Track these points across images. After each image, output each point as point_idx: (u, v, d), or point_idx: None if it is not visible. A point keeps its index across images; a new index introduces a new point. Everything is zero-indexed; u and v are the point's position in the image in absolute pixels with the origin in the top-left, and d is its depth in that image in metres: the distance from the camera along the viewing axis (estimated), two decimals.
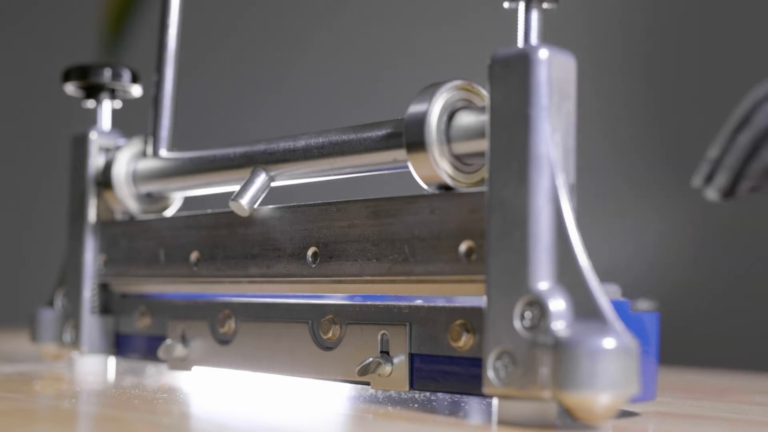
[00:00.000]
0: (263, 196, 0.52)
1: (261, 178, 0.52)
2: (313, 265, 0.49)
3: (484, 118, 0.43)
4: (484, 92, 0.45)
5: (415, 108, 0.45)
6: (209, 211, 0.55)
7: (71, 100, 0.70)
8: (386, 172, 0.48)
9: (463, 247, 0.43)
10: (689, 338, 0.96)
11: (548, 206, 0.39)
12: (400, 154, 0.46)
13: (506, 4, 0.42)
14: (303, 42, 1.30)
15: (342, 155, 0.49)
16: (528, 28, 0.42)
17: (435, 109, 0.44)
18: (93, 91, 0.64)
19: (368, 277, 0.47)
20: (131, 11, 1.39)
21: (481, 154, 0.44)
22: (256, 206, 0.52)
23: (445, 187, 0.45)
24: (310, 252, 0.49)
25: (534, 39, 0.41)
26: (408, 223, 0.45)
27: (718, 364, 0.93)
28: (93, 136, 0.63)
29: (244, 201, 0.51)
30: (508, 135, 0.40)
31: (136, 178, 0.61)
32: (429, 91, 0.45)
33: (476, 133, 0.43)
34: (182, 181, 0.58)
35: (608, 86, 0.99)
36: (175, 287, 0.58)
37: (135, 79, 0.64)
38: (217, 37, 1.40)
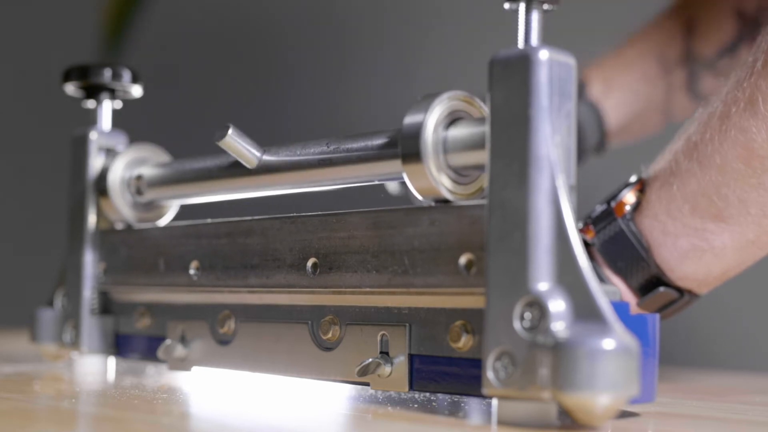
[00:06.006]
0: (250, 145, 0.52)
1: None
2: (313, 276, 0.49)
3: (481, 129, 0.43)
4: (481, 103, 0.45)
5: (410, 119, 0.45)
6: (209, 220, 0.55)
7: (71, 100, 0.70)
8: (382, 182, 0.48)
9: (462, 259, 0.43)
10: (689, 338, 0.96)
11: (548, 207, 0.39)
12: (395, 165, 0.46)
13: (507, 5, 0.42)
14: (304, 47, 1.30)
15: (337, 165, 0.49)
16: (528, 29, 0.41)
17: (431, 120, 0.44)
18: (93, 91, 0.64)
19: (368, 288, 0.47)
20: (131, 11, 1.39)
21: (477, 166, 0.44)
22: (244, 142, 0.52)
23: (441, 199, 0.45)
24: (309, 263, 0.49)
25: (534, 40, 0.41)
26: (408, 235, 0.45)
27: (718, 364, 0.93)
28: (93, 136, 0.63)
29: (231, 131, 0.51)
30: (509, 136, 0.40)
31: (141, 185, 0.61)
32: (425, 101, 0.45)
33: (473, 145, 0.43)
34: (179, 189, 0.58)
35: None
36: (174, 296, 0.58)
37: (135, 79, 0.64)
38: (220, 41, 1.40)
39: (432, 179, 0.44)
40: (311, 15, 1.30)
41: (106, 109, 0.65)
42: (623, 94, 0.70)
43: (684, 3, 0.77)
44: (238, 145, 0.51)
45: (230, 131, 0.51)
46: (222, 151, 0.54)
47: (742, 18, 0.72)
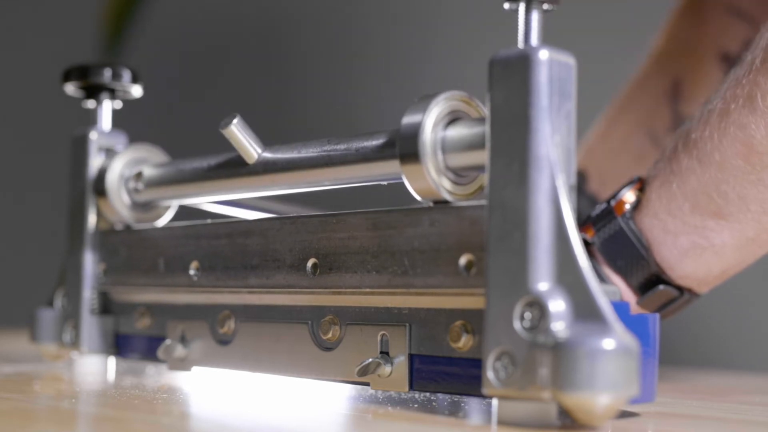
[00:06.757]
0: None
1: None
2: (313, 276, 0.49)
3: (479, 129, 0.43)
4: (479, 103, 0.45)
5: (408, 119, 0.45)
6: (209, 221, 0.55)
7: (71, 100, 0.70)
8: (380, 183, 0.48)
9: (462, 260, 0.43)
10: (689, 338, 0.96)
11: (548, 207, 0.39)
12: (394, 165, 0.46)
13: (507, 5, 0.42)
14: (305, 48, 1.30)
15: (335, 165, 0.49)
16: (528, 29, 0.41)
17: (429, 120, 0.44)
18: (93, 91, 0.64)
19: (368, 289, 0.47)
20: (131, 11, 1.39)
21: (476, 167, 0.44)
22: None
23: (440, 200, 0.45)
24: (309, 263, 0.49)
25: (534, 40, 0.41)
26: (408, 236, 0.45)
27: (718, 364, 0.93)
28: (93, 136, 0.63)
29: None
30: (509, 136, 0.40)
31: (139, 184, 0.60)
32: (423, 101, 0.45)
33: (471, 145, 0.43)
34: (176, 189, 0.58)
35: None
36: (174, 296, 0.58)
37: (135, 79, 0.64)
38: (220, 41, 1.40)
39: (430, 180, 0.44)
40: (312, 15, 1.30)
41: (106, 109, 0.65)
42: (619, 183, 0.70)
43: (667, 59, 0.75)
44: (240, 136, 0.51)
45: (236, 120, 0.51)
46: (221, 150, 0.54)
47: (729, 62, 0.71)
